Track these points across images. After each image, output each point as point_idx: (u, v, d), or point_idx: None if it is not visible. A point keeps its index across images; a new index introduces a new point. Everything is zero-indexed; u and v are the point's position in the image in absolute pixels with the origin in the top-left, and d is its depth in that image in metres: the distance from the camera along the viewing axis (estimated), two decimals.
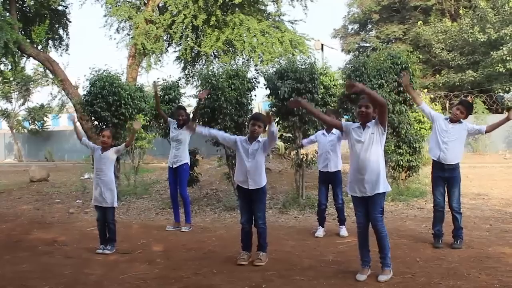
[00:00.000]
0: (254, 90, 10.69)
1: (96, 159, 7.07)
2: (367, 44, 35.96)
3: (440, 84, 28.31)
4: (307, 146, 10.10)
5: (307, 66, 9.96)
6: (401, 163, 10.63)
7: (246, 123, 10.33)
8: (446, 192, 6.85)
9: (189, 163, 8.81)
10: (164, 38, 20.80)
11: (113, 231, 7.04)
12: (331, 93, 11.46)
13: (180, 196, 8.71)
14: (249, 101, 10.55)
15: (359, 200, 5.51)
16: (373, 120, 5.37)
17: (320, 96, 10.90)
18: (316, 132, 9.70)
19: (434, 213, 6.96)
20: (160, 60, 21.07)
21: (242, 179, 6.24)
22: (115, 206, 7.10)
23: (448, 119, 6.82)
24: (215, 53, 20.71)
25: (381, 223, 5.40)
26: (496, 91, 25.35)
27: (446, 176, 6.78)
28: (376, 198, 5.37)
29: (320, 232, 7.79)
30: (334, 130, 7.74)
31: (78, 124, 7.42)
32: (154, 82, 9.98)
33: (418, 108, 7.54)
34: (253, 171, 6.16)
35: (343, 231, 7.74)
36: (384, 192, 5.43)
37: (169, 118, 8.92)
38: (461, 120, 6.75)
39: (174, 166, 8.60)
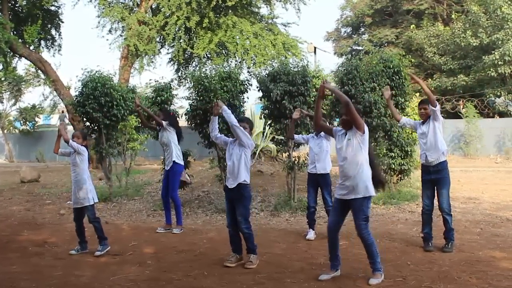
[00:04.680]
0: (247, 92, 10.71)
1: (70, 161, 7.13)
2: (360, 48, 35.99)
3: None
4: (300, 146, 10.15)
5: (299, 69, 9.98)
6: (393, 166, 10.66)
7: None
8: (434, 195, 6.91)
9: (179, 162, 8.75)
10: (157, 39, 20.80)
11: (99, 229, 6.99)
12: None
13: (170, 198, 8.72)
14: (241, 103, 10.55)
15: (339, 204, 5.56)
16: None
17: (313, 99, 10.90)
18: (308, 134, 9.73)
19: (422, 215, 7.04)
20: (152, 62, 21.11)
21: (227, 177, 6.39)
22: (90, 203, 7.00)
23: (421, 122, 7.05)
24: (208, 55, 20.73)
25: (365, 231, 5.42)
26: (487, 96, 25.46)
27: (433, 178, 6.84)
28: (357, 204, 5.39)
29: (311, 234, 7.80)
30: (322, 134, 7.82)
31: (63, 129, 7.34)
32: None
33: (399, 124, 7.84)
34: (232, 169, 6.24)
35: None
36: (366, 198, 5.41)
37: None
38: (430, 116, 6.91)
39: (167, 168, 8.66)
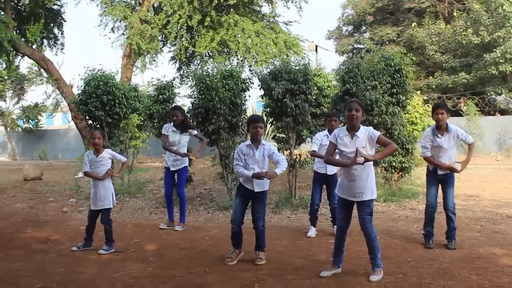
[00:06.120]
0: (248, 90, 10.69)
1: (92, 163, 7.05)
2: (361, 46, 36.00)
3: (434, 86, 28.39)
4: (301, 144, 10.16)
5: (301, 67, 9.96)
6: (394, 164, 10.67)
7: (240, 124, 10.35)
8: (438, 193, 6.90)
9: (187, 164, 8.88)
10: (159, 38, 20.81)
11: (109, 231, 7.01)
12: (324, 94, 11.48)
13: (177, 194, 8.73)
14: (243, 102, 10.55)
15: (344, 203, 5.57)
16: (369, 133, 5.29)
17: (314, 97, 10.92)
18: (309, 132, 9.71)
19: (425, 213, 6.99)
20: (155, 60, 21.11)
21: (249, 181, 6.19)
22: (110, 207, 7.06)
23: (435, 129, 6.75)
24: (209, 53, 20.73)
25: (370, 224, 5.45)
26: (488, 94, 25.45)
27: (441, 178, 6.82)
28: (363, 203, 5.45)
29: (312, 232, 7.81)
30: None
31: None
32: None
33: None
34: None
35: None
36: (372, 199, 5.48)
37: (164, 126, 8.89)
38: (449, 127, 6.72)
39: (175, 169, 8.64)
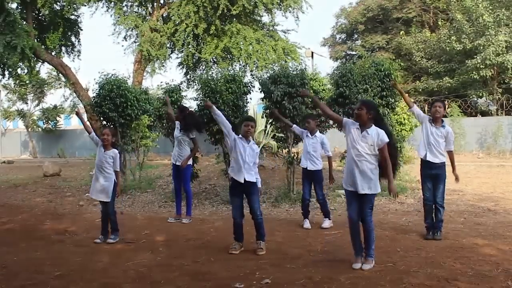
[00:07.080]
0: (250, 93, 10.66)
1: (98, 154, 7.01)
2: (353, 52, 35.92)
3: (420, 90, 28.36)
4: (299, 142, 10.10)
5: (298, 72, 9.95)
6: None
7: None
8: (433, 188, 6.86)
9: (191, 162, 8.82)
10: (168, 45, 20.73)
11: (113, 222, 6.99)
12: (320, 97, 11.43)
13: (183, 190, 8.70)
14: (244, 104, 10.52)
15: (351, 195, 5.44)
16: (379, 135, 5.23)
17: (310, 100, 10.88)
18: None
19: (424, 207, 6.97)
20: (163, 66, 21.01)
21: (239, 172, 6.18)
22: (108, 200, 6.91)
23: (431, 120, 6.76)
24: (214, 59, 20.64)
25: (369, 217, 5.41)
26: (470, 97, 25.42)
27: (433, 173, 6.79)
28: (367, 197, 5.37)
29: (307, 224, 7.78)
30: (317, 134, 7.77)
31: (83, 118, 7.35)
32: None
33: (410, 110, 7.22)
34: (249, 166, 6.18)
35: (325, 223, 7.72)
36: (374, 193, 5.42)
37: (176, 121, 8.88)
38: (444, 123, 6.75)
39: (178, 163, 8.59)
